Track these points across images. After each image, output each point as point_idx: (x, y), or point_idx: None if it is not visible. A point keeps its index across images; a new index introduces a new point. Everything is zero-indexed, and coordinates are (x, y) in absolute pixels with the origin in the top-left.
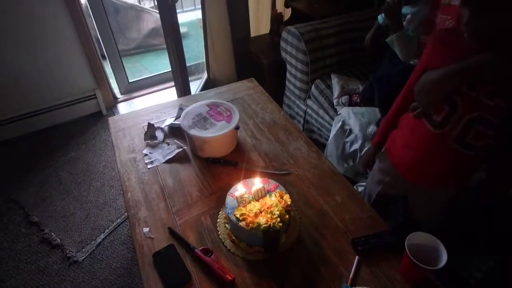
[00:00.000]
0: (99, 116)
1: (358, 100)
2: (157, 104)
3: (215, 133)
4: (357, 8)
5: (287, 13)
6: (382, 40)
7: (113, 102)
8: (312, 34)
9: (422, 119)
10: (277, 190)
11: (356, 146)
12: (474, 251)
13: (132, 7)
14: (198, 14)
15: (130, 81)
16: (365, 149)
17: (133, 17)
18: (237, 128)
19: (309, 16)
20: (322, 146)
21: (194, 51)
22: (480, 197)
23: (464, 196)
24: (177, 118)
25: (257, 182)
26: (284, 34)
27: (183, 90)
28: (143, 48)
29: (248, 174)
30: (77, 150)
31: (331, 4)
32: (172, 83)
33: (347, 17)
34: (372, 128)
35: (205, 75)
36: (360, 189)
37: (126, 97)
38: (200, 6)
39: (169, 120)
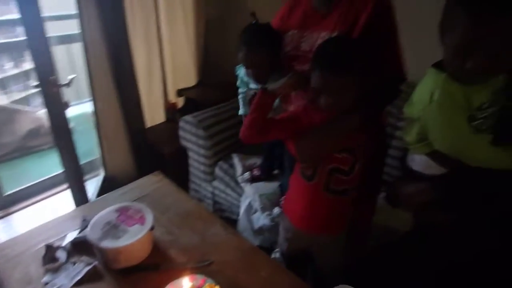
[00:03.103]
0: None
1: (259, 173)
2: (53, 219)
3: (131, 239)
4: None
5: (180, 101)
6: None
7: None
8: (209, 121)
9: (298, 176)
10: (207, 283)
11: (261, 223)
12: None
13: (3, 109)
14: (85, 108)
15: (6, 193)
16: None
17: (5, 120)
18: (152, 228)
19: (201, 103)
20: (234, 221)
21: (83, 148)
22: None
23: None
24: (81, 230)
25: (185, 283)
26: (182, 124)
27: (80, 193)
28: (22, 152)
29: (172, 275)
30: None
31: (220, 92)
32: (63, 187)
33: (236, 102)
34: (277, 210)
35: (101, 173)
36: (278, 254)
37: (1, 214)
38: (87, 99)
39: (72, 235)
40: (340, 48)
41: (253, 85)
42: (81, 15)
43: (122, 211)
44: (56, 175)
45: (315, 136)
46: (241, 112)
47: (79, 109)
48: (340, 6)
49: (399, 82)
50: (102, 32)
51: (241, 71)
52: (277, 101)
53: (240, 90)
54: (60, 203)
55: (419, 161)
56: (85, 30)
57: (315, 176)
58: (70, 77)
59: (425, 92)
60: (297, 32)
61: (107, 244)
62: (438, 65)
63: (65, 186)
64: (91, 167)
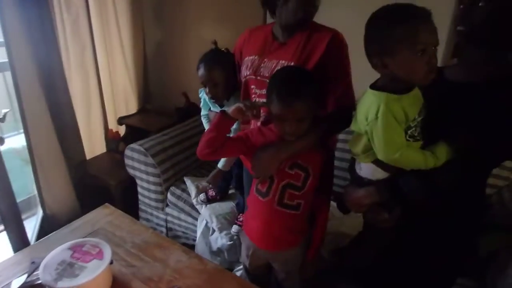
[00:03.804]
0: None
1: (214, 194)
2: None
3: (91, 275)
4: (186, 118)
5: (121, 130)
6: None
7: None
8: (157, 148)
9: (254, 193)
10: None
11: (219, 243)
12: None
13: None
14: (13, 142)
15: None
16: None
17: None
18: (111, 262)
19: (145, 130)
20: (191, 247)
21: (14, 185)
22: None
23: None
24: (30, 274)
25: None
26: (128, 152)
27: (18, 235)
28: None
29: None
30: None
31: (163, 118)
32: None
33: (181, 127)
34: (234, 228)
35: (39, 212)
36: (239, 273)
37: None
38: (17, 132)
39: (18, 281)
40: (294, 78)
41: (214, 108)
42: (7, 42)
43: (76, 248)
44: None
45: (271, 151)
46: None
47: (8, 143)
48: (298, 38)
49: (349, 111)
50: (33, 60)
51: (203, 94)
52: (236, 123)
53: (202, 112)
54: None
55: (365, 169)
56: (13, 58)
57: (269, 192)
58: (4, 111)
59: (371, 109)
60: (258, 58)
61: (64, 284)
62: (374, 86)
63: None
64: (26, 206)
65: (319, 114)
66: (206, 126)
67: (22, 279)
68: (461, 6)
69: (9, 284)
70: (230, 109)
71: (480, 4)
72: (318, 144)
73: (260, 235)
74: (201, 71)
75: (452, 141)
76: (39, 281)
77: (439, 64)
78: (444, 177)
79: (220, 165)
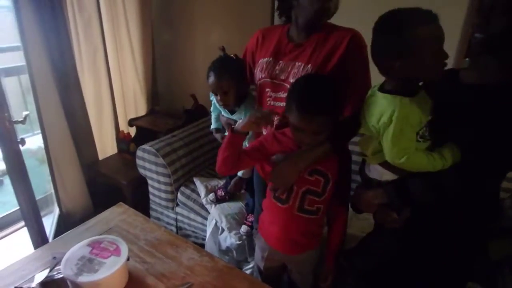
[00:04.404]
0: None
1: (223, 194)
2: (18, 260)
3: (110, 270)
4: (194, 119)
5: (132, 131)
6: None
7: None
8: (167, 149)
9: (272, 199)
10: None
11: (228, 243)
12: None
13: None
14: (29, 143)
15: None
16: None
17: None
18: (128, 259)
19: (154, 132)
20: (200, 245)
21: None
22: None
23: None
24: (52, 269)
25: None
26: (139, 153)
27: (38, 232)
28: None
29: None
30: None
31: (172, 120)
32: (16, 227)
33: (190, 129)
34: (243, 229)
35: (56, 211)
36: (248, 271)
37: None
38: (32, 133)
39: (41, 275)
40: (317, 90)
41: (225, 113)
42: (25, 47)
43: (94, 245)
44: (9, 214)
45: (290, 163)
46: (212, 127)
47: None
48: (314, 39)
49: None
50: (49, 63)
51: (214, 99)
52: (250, 133)
53: (212, 112)
54: (15, 243)
55: (374, 171)
56: (30, 61)
57: (289, 199)
58: (24, 113)
59: (385, 113)
60: (272, 60)
61: (85, 278)
62: (383, 90)
63: (20, 225)
64: (43, 204)
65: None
66: (215, 124)
67: (44, 273)
68: (480, 13)
69: (32, 278)
70: (240, 124)
71: (498, 13)
72: (337, 149)
73: (278, 239)
74: (211, 80)
75: (462, 143)
76: (61, 275)
77: (452, 64)
78: (451, 180)
79: (240, 173)
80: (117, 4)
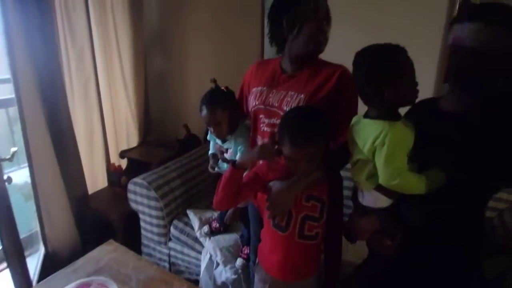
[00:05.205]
0: None
1: (218, 225)
2: None
3: None
4: (187, 149)
5: (123, 163)
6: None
7: None
8: (159, 181)
9: (272, 228)
10: None
11: (224, 277)
12: None
13: None
14: (15, 177)
15: None
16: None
17: None
18: None
19: (146, 163)
20: (194, 282)
21: (18, 221)
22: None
23: None
24: None
25: None
26: (131, 187)
27: (21, 273)
28: None
29: None
30: None
31: (164, 150)
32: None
33: (182, 159)
34: (239, 262)
35: (41, 250)
36: None
37: None
38: (17, 167)
39: None
40: (308, 121)
41: (219, 142)
42: (15, 79)
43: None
44: None
45: (286, 189)
46: (210, 152)
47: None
48: (306, 71)
49: None
50: (39, 95)
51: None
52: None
53: (210, 139)
54: None
55: (368, 198)
56: (20, 93)
57: (289, 226)
58: (12, 149)
59: (378, 136)
60: (266, 89)
61: None
62: (367, 116)
63: (1, 266)
64: (28, 243)
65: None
66: (212, 149)
67: None
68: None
69: None
70: (242, 159)
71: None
72: (330, 174)
73: (280, 268)
74: (204, 113)
75: (444, 168)
76: None
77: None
78: (438, 204)
79: None
80: (110, 34)
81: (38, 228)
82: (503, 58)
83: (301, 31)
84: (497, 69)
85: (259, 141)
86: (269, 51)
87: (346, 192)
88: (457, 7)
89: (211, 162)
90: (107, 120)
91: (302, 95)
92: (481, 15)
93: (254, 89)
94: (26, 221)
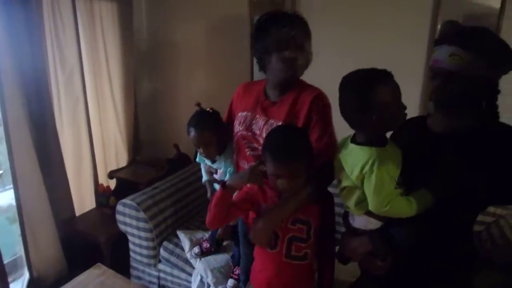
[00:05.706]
0: None
1: (209, 245)
2: None
3: None
4: (177, 169)
5: (111, 184)
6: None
7: None
8: (148, 202)
9: (262, 246)
10: None
11: None
12: None
13: None
14: (2, 199)
15: None
16: None
17: None
18: None
19: (135, 183)
20: None
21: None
22: None
23: None
24: None
25: None
26: (119, 208)
27: None
28: None
29: None
30: None
31: (153, 169)
32: None
33: (172, 179)
34: (230, 283)
35: (25, 275)
36: None
37: None
38: (1, 189)
39: None
40: (288, 138)
41: (207, 162)
42: (2, 97)
43: None
44: None
45: (267, 218)
46: (204, 179)
47: None
48: (288, 97)
49: (329, 168)
50: (27, 117)
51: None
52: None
53: (200, 163)
54: None
55: (358, 220)
56: (6, 112)
57: (277, 245)
58: None
59: (366, 164)
60: (250, 114)
61: None
62: (356, 142)
63: None
64: (11, 269)
65: (312, 169)
66: (205, 176)
67: None
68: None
69: None
70: (231, 181)
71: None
72: (315, 197)
73: (270, 286)
74: (192, 135)
75: (433, 189)
76: None
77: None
78: (427, 224)
79: None
80: (99, 55)
81: (22, 253)
82: (481, 81)
83: (271, 61)
84: (476, 91)
85: (243, 165)
86: (259, 73)
87: (338, 209)
88: (438, 28)
89: (208, 191)
90: (96, 141)
91: (281, 123)
92: (459, 40)
93: (239, 114)
94: (10, 245)
